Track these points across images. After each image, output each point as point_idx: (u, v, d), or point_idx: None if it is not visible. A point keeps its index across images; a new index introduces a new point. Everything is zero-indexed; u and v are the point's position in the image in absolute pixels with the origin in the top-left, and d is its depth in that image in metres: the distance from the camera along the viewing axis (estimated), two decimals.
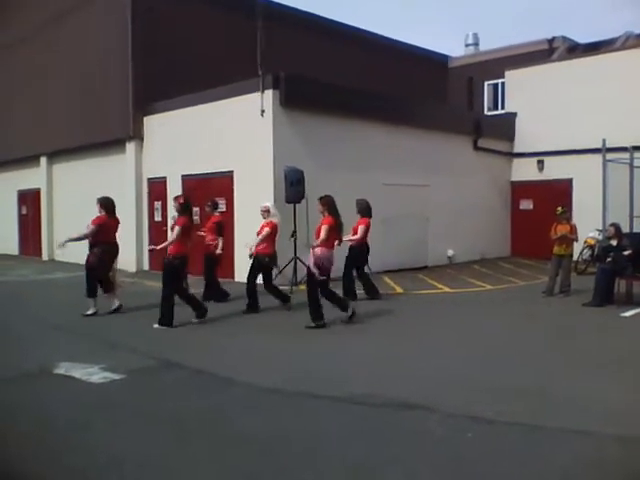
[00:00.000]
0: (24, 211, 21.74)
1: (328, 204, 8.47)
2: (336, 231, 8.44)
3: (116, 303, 9.62)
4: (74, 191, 17.87)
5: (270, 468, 3.89)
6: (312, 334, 8.07)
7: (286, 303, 9.81)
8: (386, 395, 5.32)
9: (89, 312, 9.34)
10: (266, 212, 9.70)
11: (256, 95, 12.45)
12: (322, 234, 8.24)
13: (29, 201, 21.19)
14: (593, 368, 6.26)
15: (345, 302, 8.79)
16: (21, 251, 21.87)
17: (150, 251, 10.08)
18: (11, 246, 22.20)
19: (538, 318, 9.27)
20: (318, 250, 8.21)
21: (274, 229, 9.55)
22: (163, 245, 8.76)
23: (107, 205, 9.52)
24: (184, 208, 8.74)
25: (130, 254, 15.36)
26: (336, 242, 8.55)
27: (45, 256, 19.81)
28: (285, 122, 12.57)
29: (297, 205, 11.65)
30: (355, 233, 10.39)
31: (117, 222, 9.68)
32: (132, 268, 15.52)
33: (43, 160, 19.77)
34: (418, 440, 4.34)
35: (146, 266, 15.92)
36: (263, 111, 12.34)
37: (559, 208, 11.24)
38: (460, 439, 4.32)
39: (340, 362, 6.61)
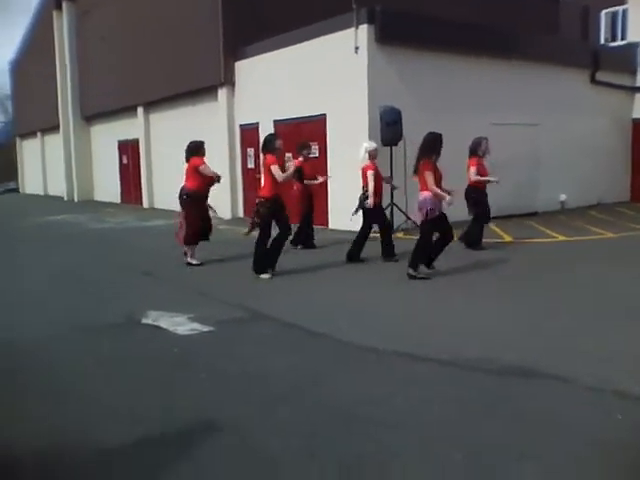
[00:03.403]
0: (125, 160, 22.21)
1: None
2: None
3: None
4: (170, 140, 17.86)
5: (357, 444, 3.37)
6: (410, 288, 7.44)
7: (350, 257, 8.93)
8: (501, 361, 4.64)
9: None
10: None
11: (350, 31, 11.64)
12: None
13: (129, 151, 21.57)
14: None
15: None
16: (123, 199, 22.48)
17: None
18: (114, 194, 22.88)
19: None
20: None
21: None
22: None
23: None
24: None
25: (225, 202, 15.25)
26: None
27: (146, 204, 20.20)
28: (381, 59, 11.70)
29: (394, 148, 10.90)
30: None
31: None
32: (227, 215, 15.43)
33: (140, 110, 19.93)
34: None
35: (240, 213, 15.81)
36: (357, 48, 11.53)
37: None
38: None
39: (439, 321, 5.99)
